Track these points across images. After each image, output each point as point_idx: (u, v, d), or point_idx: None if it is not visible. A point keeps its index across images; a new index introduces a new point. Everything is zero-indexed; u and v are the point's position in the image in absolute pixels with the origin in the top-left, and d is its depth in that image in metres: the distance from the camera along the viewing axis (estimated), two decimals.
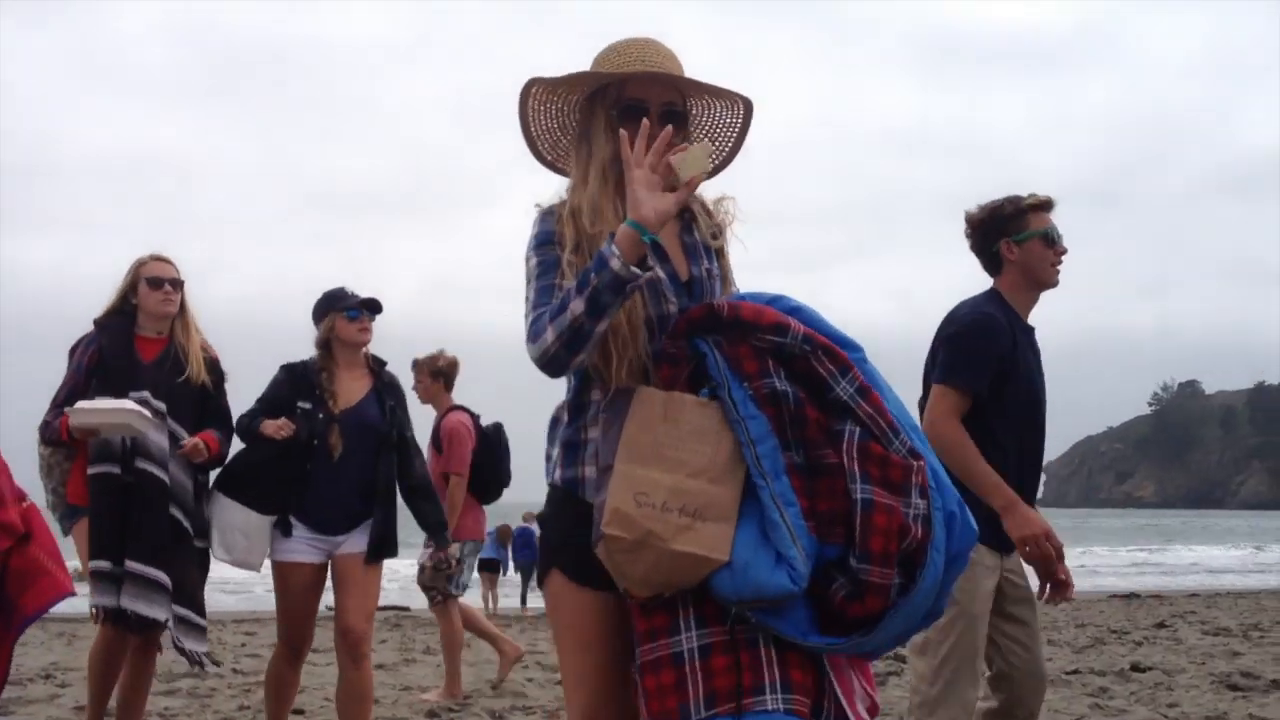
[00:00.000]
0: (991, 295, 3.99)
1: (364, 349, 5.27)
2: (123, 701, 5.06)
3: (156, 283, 4.94)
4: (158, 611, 4.72)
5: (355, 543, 5.11)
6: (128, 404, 4.64)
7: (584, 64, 2.66)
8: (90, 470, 4.77)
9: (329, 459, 5.01)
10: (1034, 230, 3.93)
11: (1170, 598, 20.61)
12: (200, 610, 4.97)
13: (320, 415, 5.03)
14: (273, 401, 5.14)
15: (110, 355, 4.88)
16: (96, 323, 4.97)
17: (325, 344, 5.21)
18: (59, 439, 4.77)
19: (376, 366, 5.33)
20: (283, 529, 4.99)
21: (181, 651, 4.91)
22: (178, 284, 5.00)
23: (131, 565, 4.69)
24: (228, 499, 4.98)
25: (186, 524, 4.90)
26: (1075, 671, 8.54)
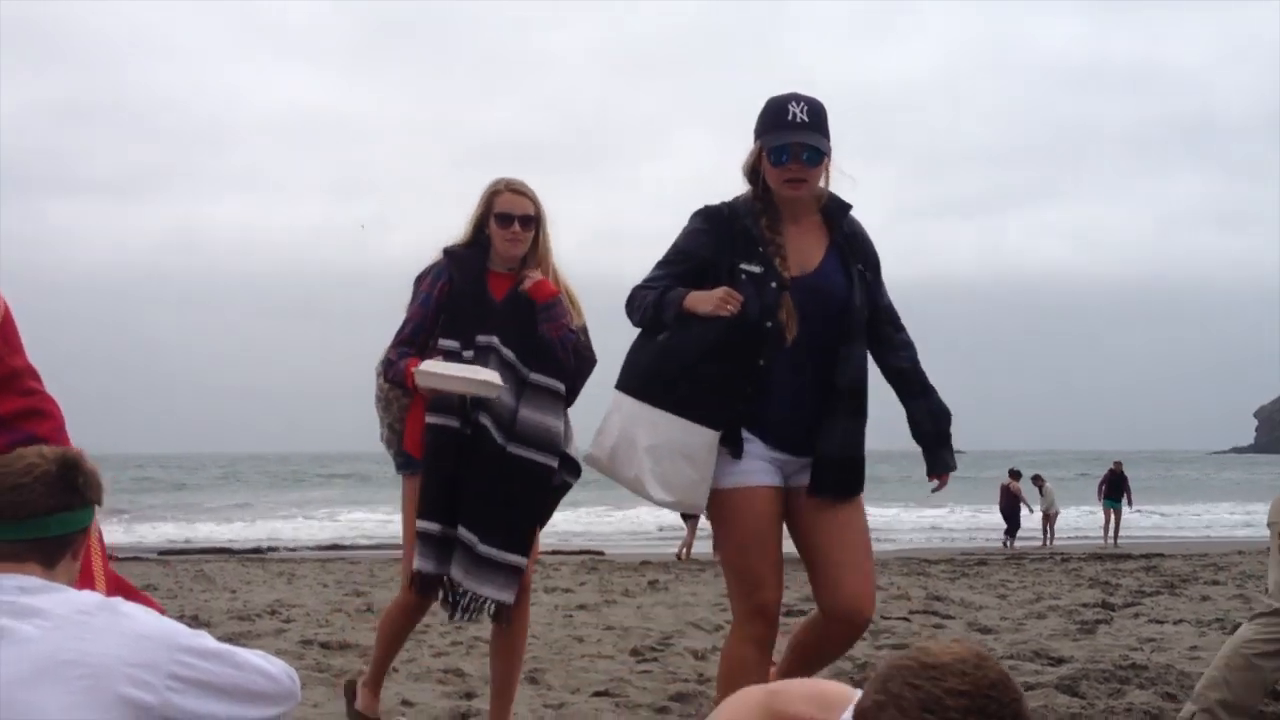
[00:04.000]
0: None
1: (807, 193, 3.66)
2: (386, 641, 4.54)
3: (505, 219, 4.28)
4: (488, 590, 4.14)
5: None
6: (480, 372, 4.06)
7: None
8: (428, 419, 4.20)
9: (784, 345, 3.51)
10: None
11: None
12: (514, 545, 4.20)
13: (772, 284, 3.50)
14: (687, 260, 3.63)
15: (460, 292, 4.30)
16: (447, 252, 4.37)
17: (754, 173, 3.67)
18: (403, 383, 4.21)
19: (836, 212, 3.70)
20: (732, 448, 3.50)
21: (481, 610, 4.23)
22: (529, 221, 4.30)
23: (464, 534, 4.13)
24: (660, 412, 3.48)
25: (543, 459, 4.22)
26: None
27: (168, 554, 19.73)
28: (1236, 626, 7.99)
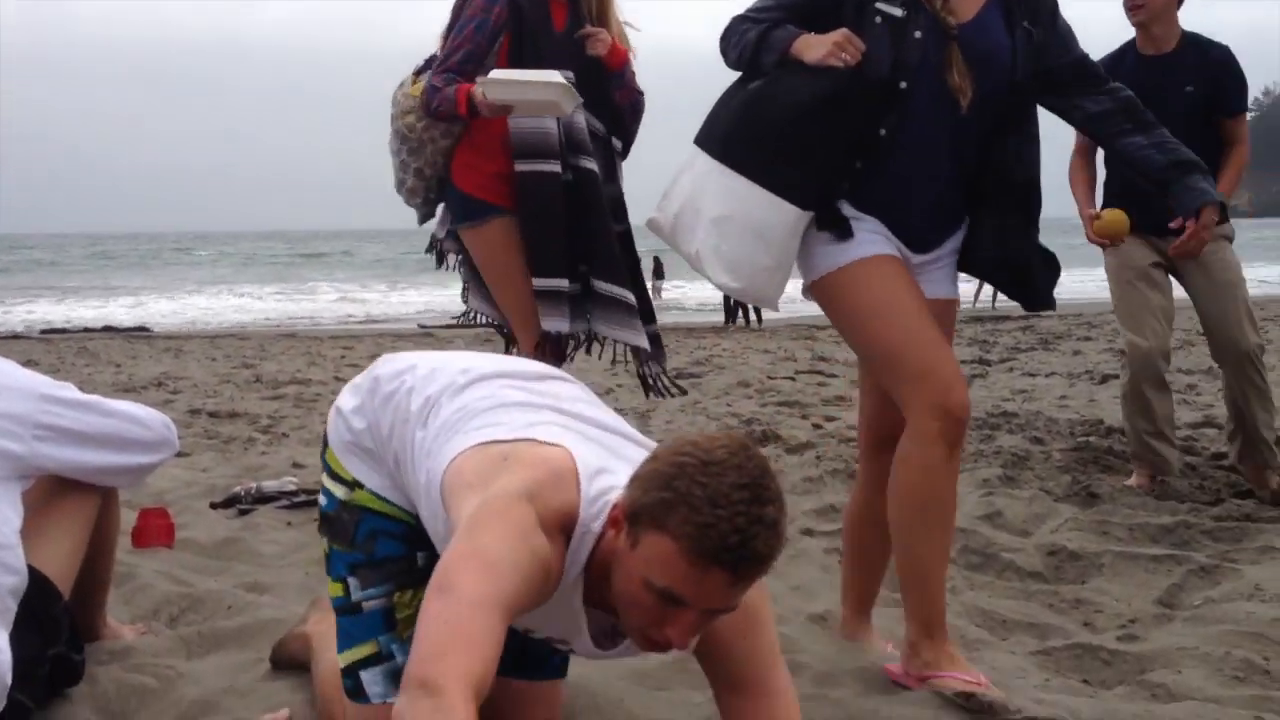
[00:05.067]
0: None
1: None
2: None
3: None
4: (636, 337, 3.81)
5: (941, 277, 2.77)
6: (555, 75, 3.52)
7: None
8: (520, 167, 3.69)
9: (919, 112, 2.63)
10: None
11: (1262, 303, 20.35)
12: (653, 319, 3.97)
13: (915, 31, 2.61)
14: None
15: (532, 20, 3.76)
16: None
17: None
18: (453, 112, 3.63)
19: None
20: (837, 229, 2.66)
21: (649, 381, 3.99)
22: None
23: (599, 285, 3.77)
24: (739, 178, 2.68)
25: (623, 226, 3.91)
26: None
27: (49, 333, 19.31)
28: (1106, 378, 8.39)
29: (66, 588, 2.43)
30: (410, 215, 4.07)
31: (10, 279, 39.80)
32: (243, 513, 4.27)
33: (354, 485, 2.17)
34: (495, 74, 3.54)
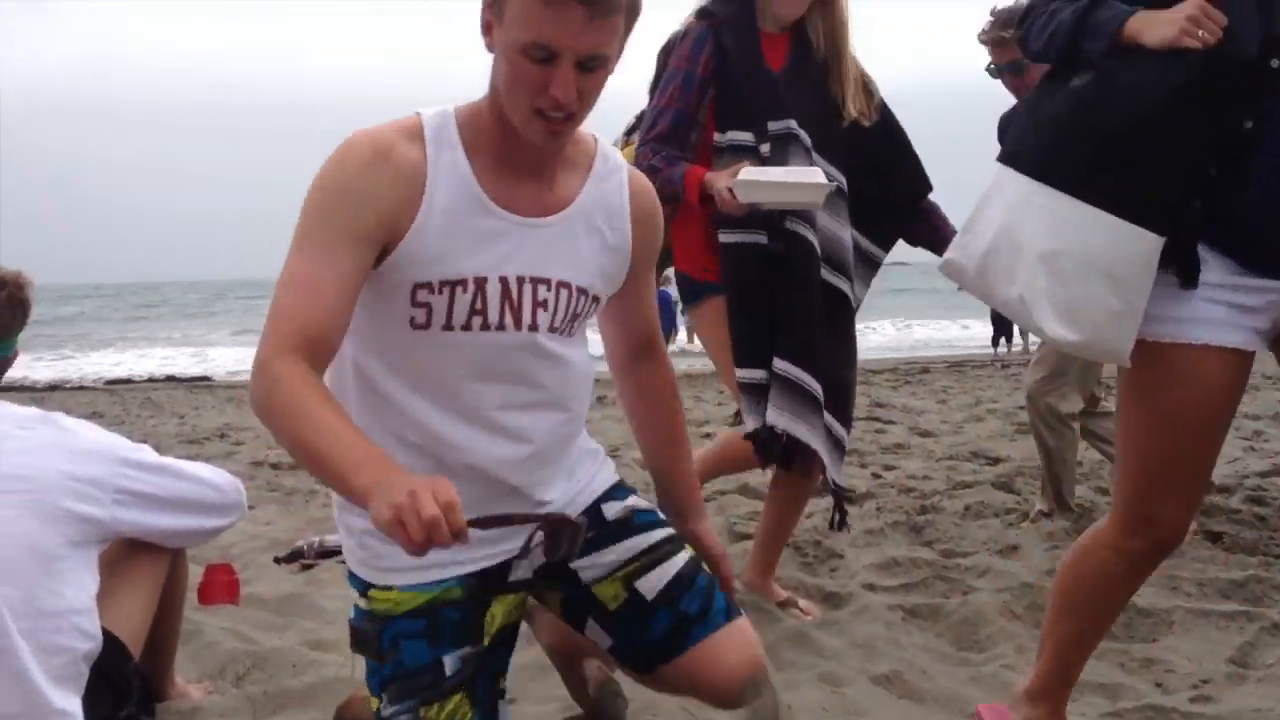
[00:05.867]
0: None
1: None
2: (764, 537, 3.65)
3: None
4: (808, 435, 3.24)
5: None
6: (811, 174, 3.08)
7: None
8: (724, 238, 3.25)
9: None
10: None
11: None
12: (849, 420, 3.45)
13: None
14: None
15: (739, 65, 3.24)
16: (706, 13, 3.30)
17: None
18: (680, 198, 3.16)
19: None
20: (1181, 270, 2.12)
21: (834, 492, 3.51)
22: None
23: (780, 365, 3.21)
24: (1074, 202, 2.12)
25: (847, 289, 3.38)
26: None
27: (114, 383, 19.63)
28: None
29: (137, 648, 2.46)
30: None
31: (73, 329, 40.51)
32: (305, 568, 4.30)
33: (367, 586, 2.16)
34: (749, 174, 3.04)
